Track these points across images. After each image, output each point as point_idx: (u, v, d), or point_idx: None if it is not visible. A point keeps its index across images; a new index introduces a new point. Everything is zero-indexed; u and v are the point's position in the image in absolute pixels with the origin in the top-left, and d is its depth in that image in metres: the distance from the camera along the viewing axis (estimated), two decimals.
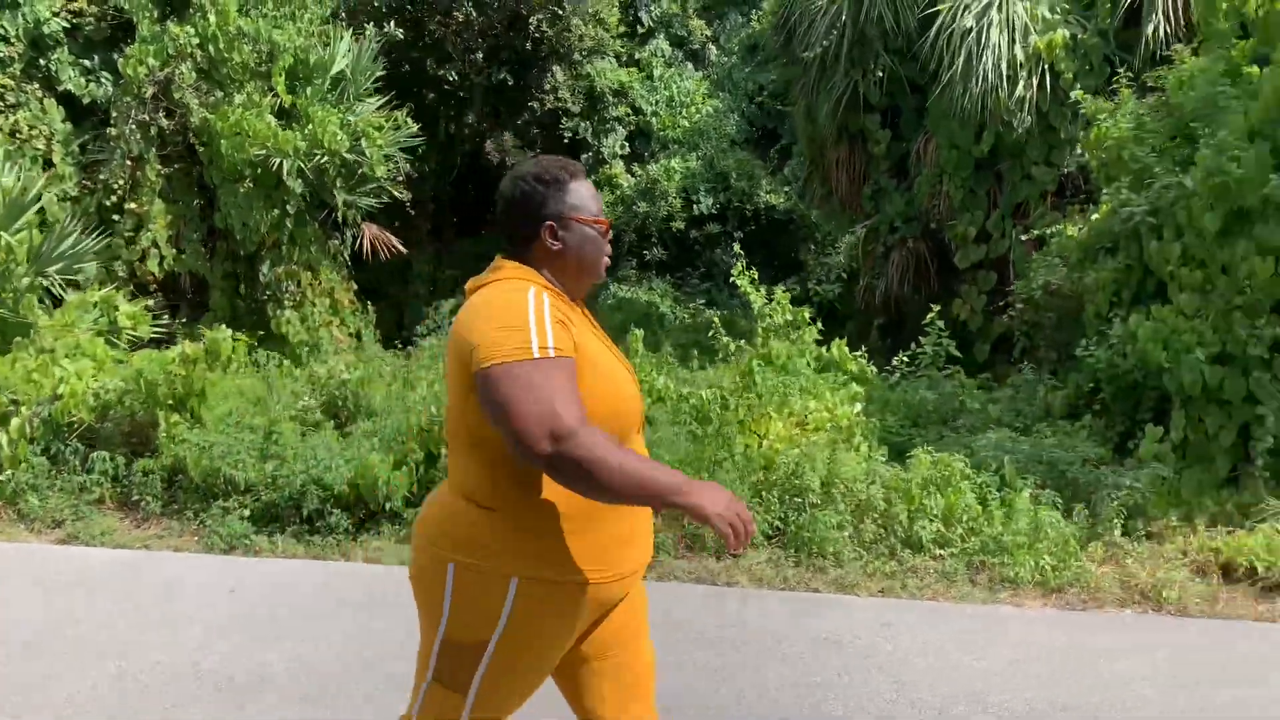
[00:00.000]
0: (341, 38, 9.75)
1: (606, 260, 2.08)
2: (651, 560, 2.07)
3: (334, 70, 9.70)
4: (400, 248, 10.64)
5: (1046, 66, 8.64)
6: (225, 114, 8.97)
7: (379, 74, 10.30)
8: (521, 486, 1.87)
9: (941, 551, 5.06)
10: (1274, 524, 5.19)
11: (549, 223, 1.98)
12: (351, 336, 9.91)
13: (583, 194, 2.02)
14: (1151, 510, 5.41)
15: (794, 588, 4.78)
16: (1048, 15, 8.70)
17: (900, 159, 10.10)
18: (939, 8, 8.85)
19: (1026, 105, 8.63)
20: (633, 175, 15.21)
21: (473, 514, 1.89)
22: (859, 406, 6.24)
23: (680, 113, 15.31)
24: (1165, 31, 8.32)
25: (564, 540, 1.87)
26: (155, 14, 9.13)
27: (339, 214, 9.81)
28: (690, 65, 16.39)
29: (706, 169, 14.74)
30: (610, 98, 15.23)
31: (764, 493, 5.35)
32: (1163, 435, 5.92)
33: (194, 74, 9.00)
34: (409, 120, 9.94)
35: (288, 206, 9.06)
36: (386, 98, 10.42)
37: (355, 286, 10.13)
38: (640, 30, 16.28)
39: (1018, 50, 8.58)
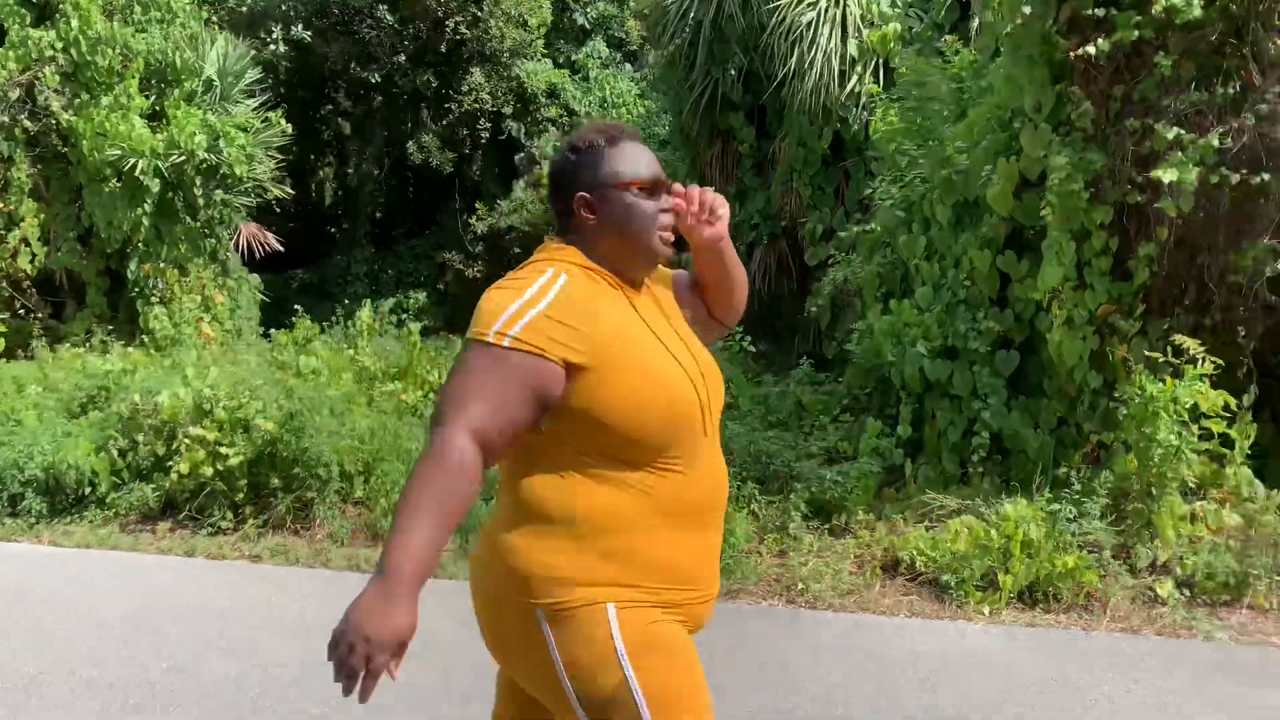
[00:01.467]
0: (213, 43, 9.99)
1: (664, 234, 1.78)
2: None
3: (206, 74, 9.95)
4: (277, 245, 10.87)
5: (882, 61, 8.56)
6: (90, 115, 9.25)
7: (255, 77, 10.53)
8: (588, 494, 1.64)
9: None
10: (967, 519, 5.12)
11: (580, 195, 1.76)
12: (229, 332, 10.14)
13: (623, 159, 1.76)
14: (852, 504, 5.36)
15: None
16: (885, 10, 8.61)
17: (768, 157, 10.05)
18: (782, 3, 8.81)
19: (861, 100, 8.55)
20: None
21: (535, 539, 1.63)
22: None
23: (611, 114, 15.35)
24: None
25: (649, 553, 1.65)
26: (27, 18, 9.45)
27: (216, 212, 10.04)
28: (629, 66, 16.43)
29: None
30: (543, 99, 15.34)
31: None
32: (889, 430, 5.85)
33: (57, 77, 9.30)
34: (283, 120, 10.14)
35: (147, 205, 9.31)
36: (274, 99, 10.65)
37: (229, 283, 10.35)
38: (586, 29, 16.39)
39: (851, 45, 8.51)
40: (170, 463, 5.32)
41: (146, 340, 9.35)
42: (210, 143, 9.39)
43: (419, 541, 1.49)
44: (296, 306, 14.93)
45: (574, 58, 16.12)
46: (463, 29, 13.70)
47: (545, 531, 1.63)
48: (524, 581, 1.62)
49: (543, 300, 1.62)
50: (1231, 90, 4.58)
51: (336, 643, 1.46)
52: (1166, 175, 4.45)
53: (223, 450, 5.11)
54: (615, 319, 1.68)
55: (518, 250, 15.23)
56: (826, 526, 5.23)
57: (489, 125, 14.32)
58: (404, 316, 15.89)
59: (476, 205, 14.98)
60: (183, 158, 9.29)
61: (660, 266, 1.88)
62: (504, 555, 1.66)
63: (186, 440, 5.22)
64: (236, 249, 10.59)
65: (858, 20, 8.50)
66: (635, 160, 1.76)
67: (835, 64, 8.43)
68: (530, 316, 1.60)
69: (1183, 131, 4.55)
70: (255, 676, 3.61)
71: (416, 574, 1.49)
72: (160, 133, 9.43)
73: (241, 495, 5.24)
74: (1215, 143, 4.50)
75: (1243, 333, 5.25)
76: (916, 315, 5.86)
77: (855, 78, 8.53)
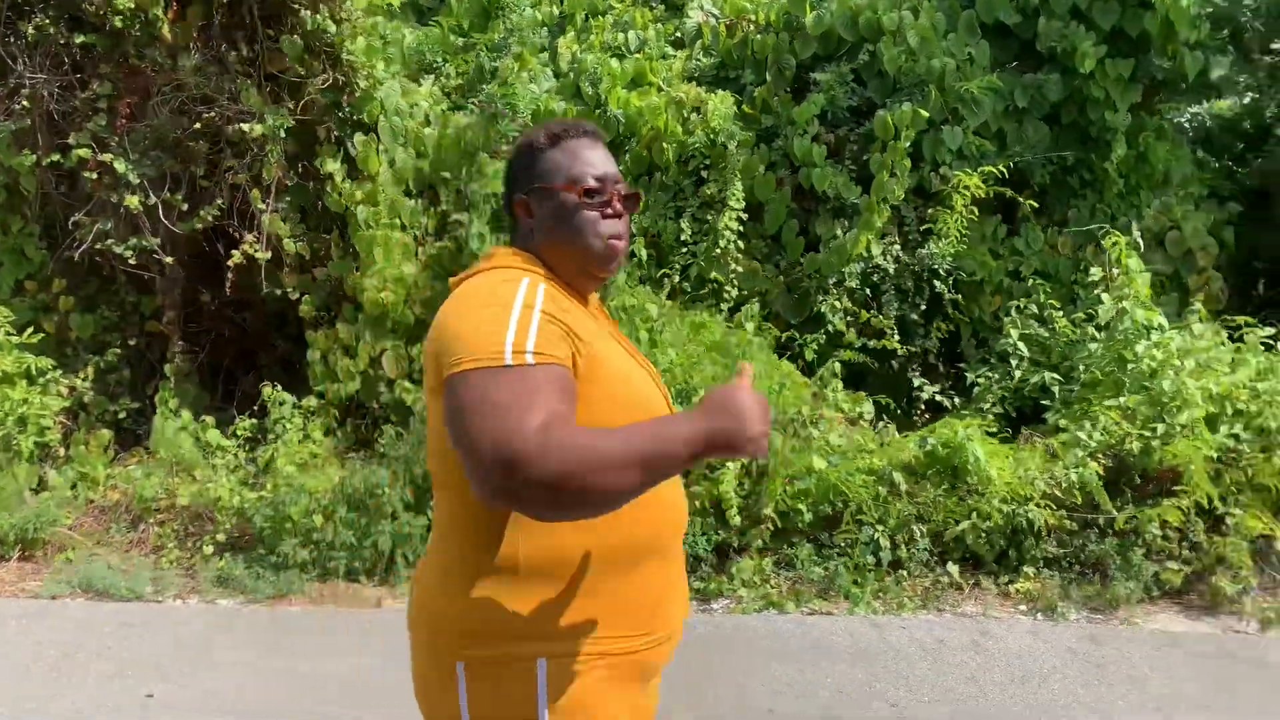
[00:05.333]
0: None
1: (612, 242, 1.60)
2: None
3: None
4: None
5: None
6: None
7: None
8: (531, 535, 1.46)
9: None
10: None
11: (519, 197, 1.65)
12: None
13: (562, 159, 1.61)
14: None
15: None
16: None
17: None
18: None
19: None
20: None
21: (470, 580, 1.46)
22: None
23: None
24: None
25: (595, 599, 1.47)
26: None
27: None
28: None
29: None
30: None
31: None
32: None
33: None
34: None
35: None
36: None
37: None
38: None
39: None
40: None
41: None
42: None
43: (661, 422, 1.39)
44: None
45: None
46: None
47: (483, 577, 1.46)
48: (450, 631, 1.48)
49: (535, 310, 1.43)
50: None
51: (759, 442, 1.36)
52: None
53: None
54: (590, 327, 1.53)
55: None
56: None
57: None
58: None
59: None
60: None
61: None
62: (435, 600, 1.52)
63: None
64: None
65: None
66: (576, 160, 1.62)
67: None
68: (536, 328, 1.41)
69: None
70: None
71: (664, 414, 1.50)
72: None
73: None
74: None
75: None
76: None
77: None
